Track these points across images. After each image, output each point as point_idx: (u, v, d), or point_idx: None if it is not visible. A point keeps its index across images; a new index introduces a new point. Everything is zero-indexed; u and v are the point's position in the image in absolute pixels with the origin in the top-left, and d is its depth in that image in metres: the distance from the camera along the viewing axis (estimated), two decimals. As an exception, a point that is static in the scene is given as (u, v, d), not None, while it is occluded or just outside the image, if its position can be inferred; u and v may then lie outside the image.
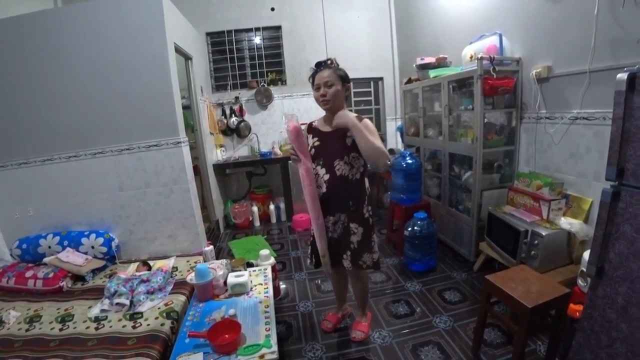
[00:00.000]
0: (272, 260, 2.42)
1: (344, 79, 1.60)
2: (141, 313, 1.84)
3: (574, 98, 1.91)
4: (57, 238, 2.47)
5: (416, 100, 3.26)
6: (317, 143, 1.65)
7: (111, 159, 2.55)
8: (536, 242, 1.89)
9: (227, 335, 1.43)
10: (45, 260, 2.32)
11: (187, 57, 3.16)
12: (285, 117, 1.55)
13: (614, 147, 1.23)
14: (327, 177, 1.61)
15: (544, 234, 1.86)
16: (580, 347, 1.39)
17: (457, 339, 1.85)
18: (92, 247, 2.46)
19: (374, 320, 2.05)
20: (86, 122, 2.49)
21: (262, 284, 1.97)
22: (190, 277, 1.88)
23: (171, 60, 2.49)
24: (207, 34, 4.05)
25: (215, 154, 4.01)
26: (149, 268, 2.30)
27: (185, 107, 3.10)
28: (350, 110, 1.72)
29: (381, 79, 4.49)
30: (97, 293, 2.09)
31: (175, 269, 2.35)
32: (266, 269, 2.19)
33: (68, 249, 2.42)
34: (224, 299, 1.84)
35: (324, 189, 1.63)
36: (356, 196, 1.67)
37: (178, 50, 2.78)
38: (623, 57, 1.61)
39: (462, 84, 2.55)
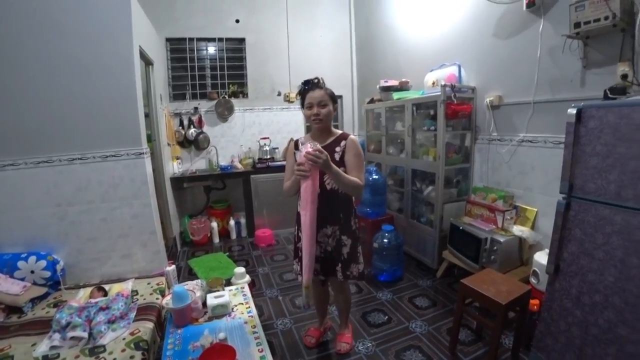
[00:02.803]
0: (247, 278, 2.33)
1: (334, 98, 1.68)
2: (103, 346, 1.61)
3: (521, 124, 2.25)
4: (-17, 263, 2.05)
5: (378, 119, 3.48)
6: None
7: (59, 169, 2.22)
8: (495, 247, 2.15)
9: (221, 361, 1.35)
10: (-32, 290, 1.91)
11: (149, 62, 2.95)
12: (303, 145, 1.50)
13: (566, 167, 1.50)
14: (318, 191, 1.64)
15: (501, 240, 2.12)
16: (543, 334, 1.61)
17: (435, 340, 1.99)
18: (32, 272, 2.08)
19: (354, 331, 2.09)
20: (30, 126, 2.12)
21: (242, 304, 1.90)
22: (167, 301, 1.73)
23: (136, 64, 2.31)
24: (167, 39, 3.85)
25: (172, 167, 3.74)
26: (105, 293, 2.04)
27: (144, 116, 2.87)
28: (336, 127, 1.79)
29: (340, 97, 4.69)
30: (41, 326, 1.77)
31: (135, 292, 2.11)
32: (243, 288, 2.11)
33: (0, 275, 2.03)
34: (204, 323, 1.73)
35: (316, 203, 1.65)
36: (345, 209, 1.73)
37: (142, 54, 2.59)
38: (560, 92, 1.98)
39: (424, 106, 2.81)
